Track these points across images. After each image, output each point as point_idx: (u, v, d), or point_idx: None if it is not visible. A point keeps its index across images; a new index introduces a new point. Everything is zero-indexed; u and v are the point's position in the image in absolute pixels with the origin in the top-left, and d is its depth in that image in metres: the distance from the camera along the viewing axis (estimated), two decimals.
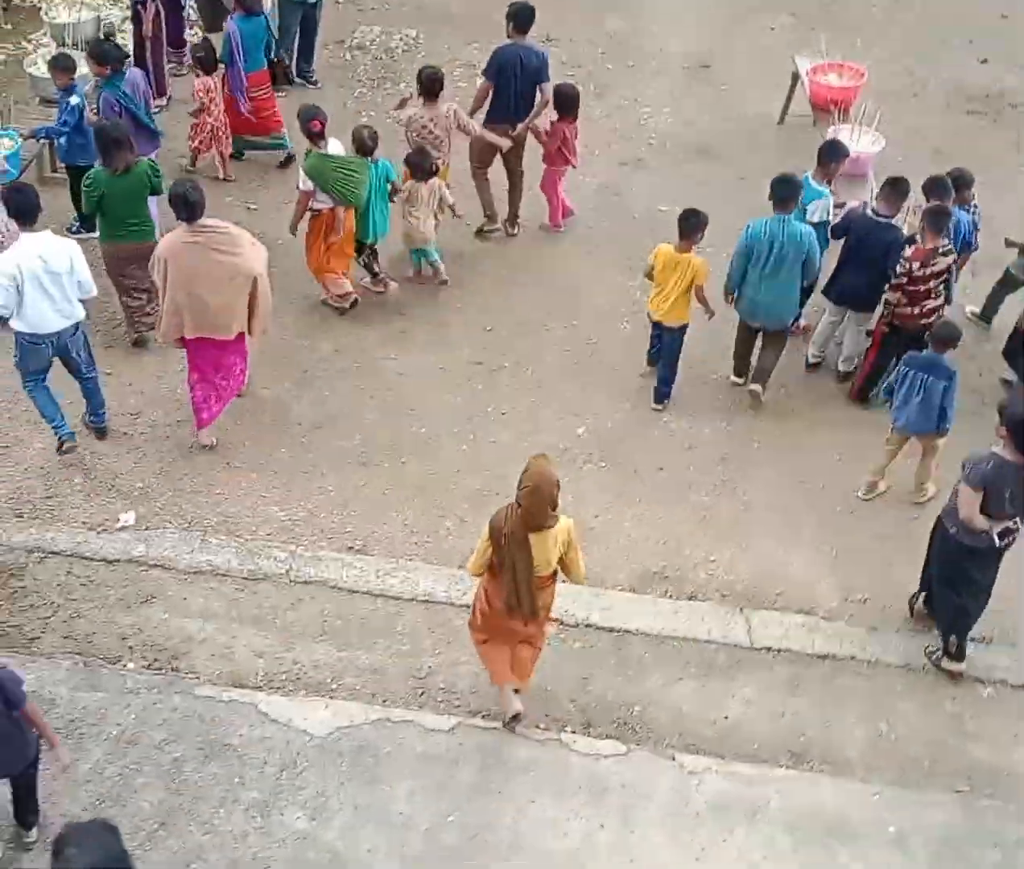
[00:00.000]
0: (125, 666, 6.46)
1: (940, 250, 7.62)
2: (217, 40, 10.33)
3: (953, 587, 6.37)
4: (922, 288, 7.68)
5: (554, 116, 9.58)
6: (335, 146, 8.61)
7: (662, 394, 8.26)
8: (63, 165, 9.36)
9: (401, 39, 12.72)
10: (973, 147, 10.82)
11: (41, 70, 9.86)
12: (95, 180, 7.90)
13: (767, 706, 6.27)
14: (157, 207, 8.49)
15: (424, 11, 13.40)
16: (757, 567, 7.08)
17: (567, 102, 9.46)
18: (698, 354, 8.67)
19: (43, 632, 6.58)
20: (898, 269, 7.65)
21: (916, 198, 8.35)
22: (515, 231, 10.02)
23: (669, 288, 7.91)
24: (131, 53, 10.07)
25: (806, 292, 8.34)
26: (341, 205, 8.53)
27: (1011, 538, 6.20)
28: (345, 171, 8.48)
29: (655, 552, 7.15)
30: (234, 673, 6.45)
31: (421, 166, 8.87)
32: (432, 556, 7.13)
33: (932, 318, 7.76)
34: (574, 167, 9.85)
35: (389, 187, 8.88)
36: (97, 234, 8.56)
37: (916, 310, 7.76)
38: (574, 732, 6.17)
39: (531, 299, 9.27)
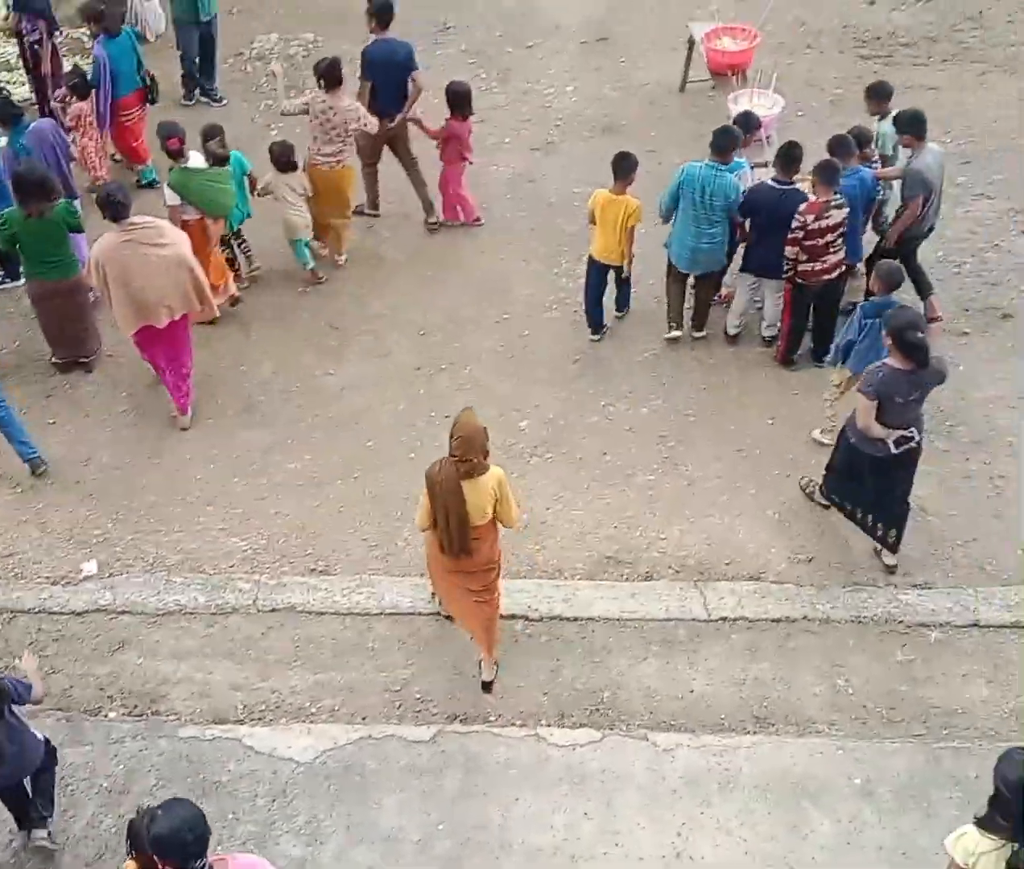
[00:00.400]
0: (107, 716, 6.57)
1: (832, 203, 7.85)
2: None
3: (862, 483, 6.91)
4: (820, 242, 7.92)
5: (447, 113, 9.73)
6: (196, 160, 8.78)
7: (622, 304, 9.09)
8: None
9: (300, 45, 12.71)
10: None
11: None
12: (7, 220, 8.06)
13: (729, 675, 6.58)
14: (85, 241, 8.51)
15: (319, 13, 13.37)
16: (706, 540, 7.38)
17: (458, 99, 9.62)
18: (628, 334, 8.98)
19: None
20: (793, 224, 7.90)
21: None
22: (434, 221, 10.17)
23: (609, 230, 8.41)
24: (32, 98, 9.91)
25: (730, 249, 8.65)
26: (208, 217, 8.67)
27: (907, 444, 6.67)
28: (207, 182, 8.69)
29: (608, 537, 7.42)
30: (214, 709, 6.58)
31: (283, 158, 9.17)
32: (393, 568, 7.32)
33: (835, 273, 8.10)
34: (470, 163, 9.99)
35: (246, 180, 9.19)
36: (22, 281, 8.60)
37: (817, 266, 8.03)
38: (549, 725, 6.42)
39: (459, 297, 9.45)
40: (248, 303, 9.35)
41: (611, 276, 8.83)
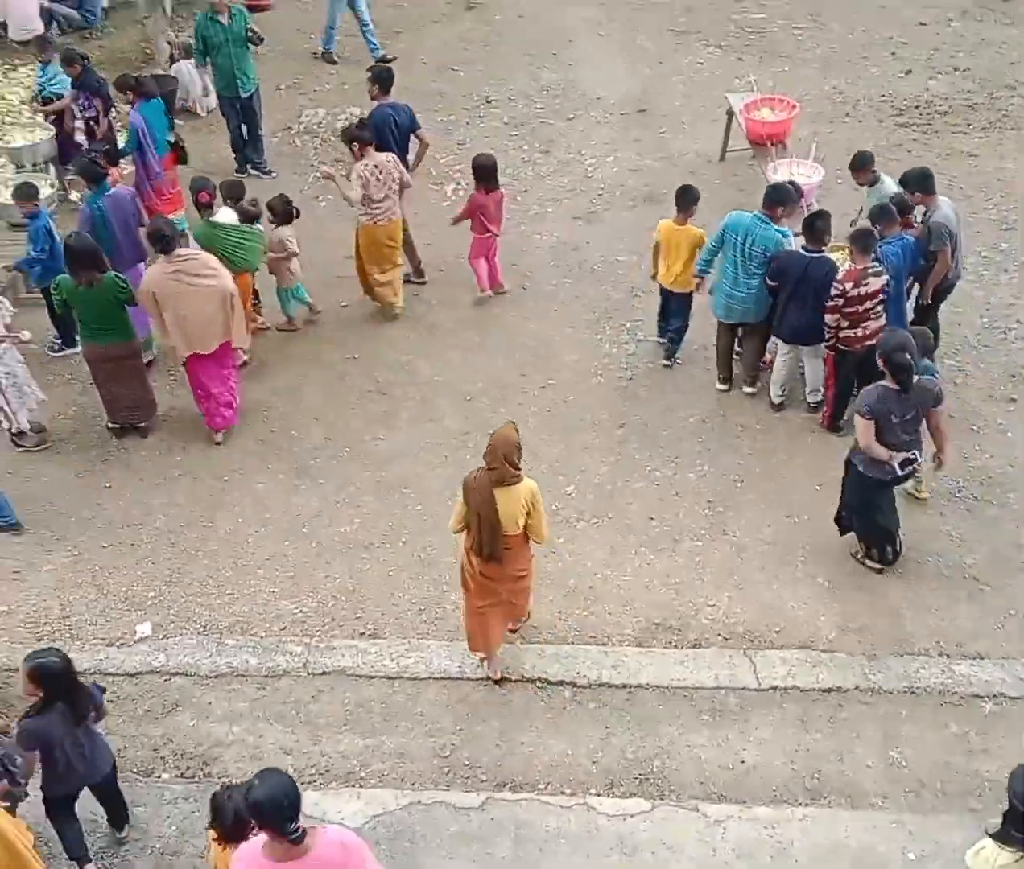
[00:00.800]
0: (159, 777, 6.63)
1: (870, 270, 7.91)
2: None
3: (871, 515, 7.32)
4: (859, 309, 7.99)
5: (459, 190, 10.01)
6: (226, 215, 9.11)
7: (672, 351, 9.33)
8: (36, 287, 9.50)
9: (346, 119, 12.96)
10: (908, 159, 11.25)
11: (4, 197, 9.99)
12: (60, 286, 8.38)
13: (780, 746, 6.54)
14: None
15: (361, 88, 13.61)
16: (756, 606, 7.38)
17: (482, 172, 9.79)
18: (674, 400, 9.06)
19: None
20: (832, 291, 7.97)
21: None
22: (424, 280, 10.48)
23: (672, 258, 8.86)
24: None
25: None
26: (232, 271, 8.81)
27: (912, 467, 7.12)
28: (234, 238, 8.95)
29: (656, 603, 7.44)
30: None
31: (284, 210, 9.50)
32: (442, 632, 7.36)
33: (877, 339, 7.96)
34: (495, 235, 10.10)
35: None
36: (78, 348, 8.84)
37: (859, 332, 8.09)
38: (599, 794, 6.40)
39: (505, 363, 9.58)
40: (300, 371, 9.51)
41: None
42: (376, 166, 9.42)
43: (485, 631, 6.89)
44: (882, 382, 6.95)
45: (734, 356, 9.14)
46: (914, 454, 7.04)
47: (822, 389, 8.69)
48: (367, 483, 8.46)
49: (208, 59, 11.72)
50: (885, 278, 8.01)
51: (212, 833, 5.21)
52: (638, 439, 8.74)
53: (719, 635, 7.20)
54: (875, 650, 7.02)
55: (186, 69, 13.11)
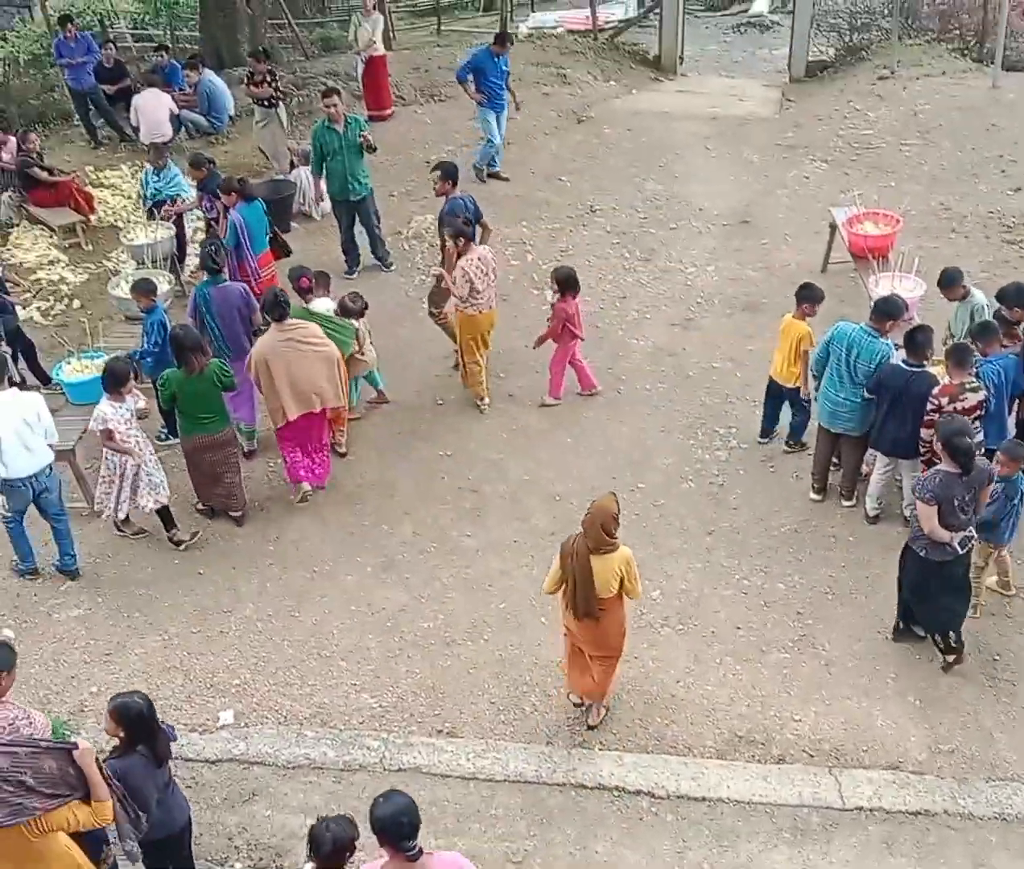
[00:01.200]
0: (233, 867, 6.65)
1: (967, 385, 7.76)
2: None
3: (936, 600, 7.29)
4: None
5: (556, 297, 10.06)
6: (322, 304, 9.63)
7: (794, 432, 9.49)
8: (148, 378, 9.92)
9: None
10: (1015, 275, 10.95)
11: (123, 291, 10.52)
12: (167, 380, 8.73)
13: (864, 868, 6.26)
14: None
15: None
16: (842, 723, 7.12)
17: (565, 281, 9.92)
18: (766, 508, 8.91)
19: None
20: (928, 406, 7.84)
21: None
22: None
23: (784, 350, 9.08)
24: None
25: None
26: None
27: (971, 544, 7.26)
28: (327, 327, 9.29)
29: (740, 714, 7.24)
30: None
31: (352, 309, 9.79)
32: (519, 733, 7.28)
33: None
34: (582, 340, 10.22)
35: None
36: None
37: None
38: None
39: (597, 464, 9.58)
40: (392, 465, 9.68)
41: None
42: (479, 258, 9.77)
43: (576, 675, 7.24)
44: (941, 467, 7.09)
45: (831, 467, 8.98)
46: (971, 532, 7.21)
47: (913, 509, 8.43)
48: (453, 579, 8.49)
49: (324, 166, 12.18)
50: (983, 394, 7.82)
51: (311, 866, 5.27)
52: (727, 546, 8.61)
53: (804, 751, 6.96)
54: (966, 773, 6.70)
55: (304, 175, 13.73)
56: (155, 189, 12.29)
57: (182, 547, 8.91)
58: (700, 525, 8.84)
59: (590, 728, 7.24)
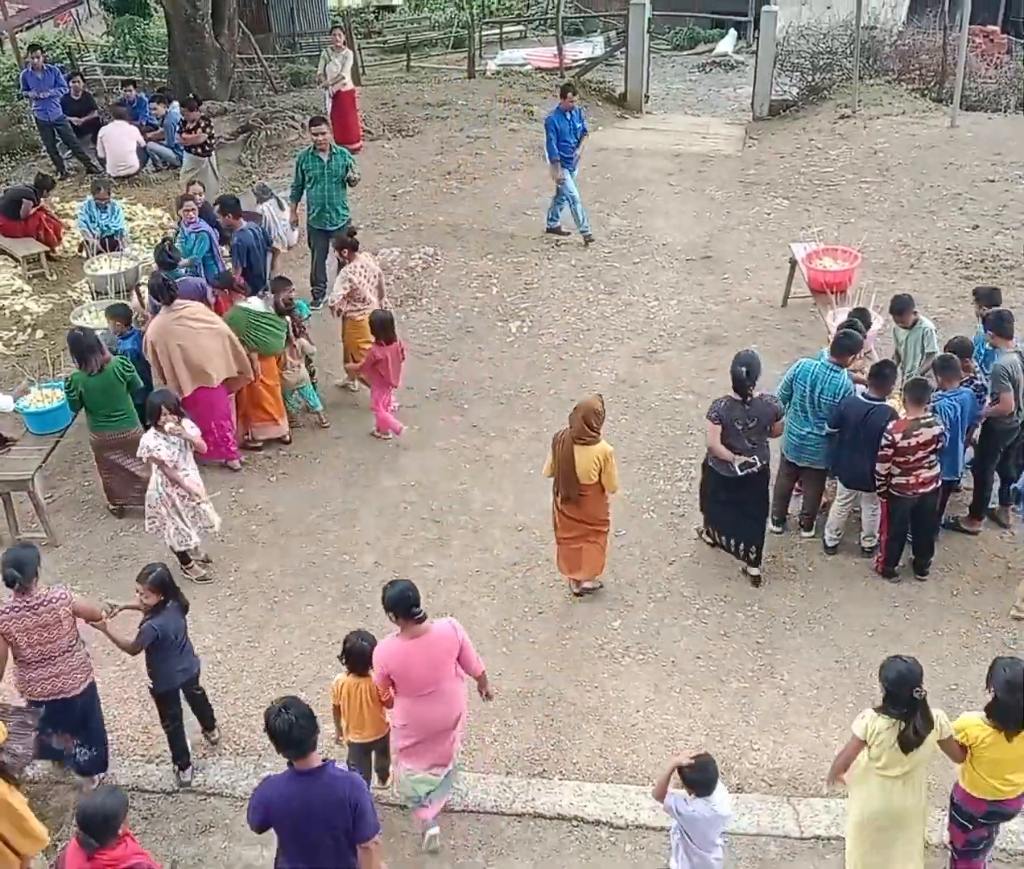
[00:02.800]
0: None
1: (922, 421, 7.87)
2: None
3: (731, 510, 8.37)
4: (911, 458, 7.90)
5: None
6: (256, 303, 10.05)
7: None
8: None
9: (420, 257, 13.47)
10: (971, 312, 11.11)
11: (86, 320, 10.49)
12: (72, 382, 8.94)
13: None
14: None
15: (436, 229, 14.23)
16: (801, 752, 7.15)
17: (379, 327, 10.01)
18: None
19: None
20: (883, 441, 7.92)
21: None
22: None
23: None
24: None
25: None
26: (255, 352, 9.83)
27: (750, 469, 8.07)
28: (262, 324, 9.81)
29: (699, 744, 7.18)
30: None
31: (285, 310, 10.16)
32: (479, 763, 7.26)
33: (930, 488, 8.05)
34: (394, 387, 10.35)
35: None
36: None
37: (911, 479, 7.98)
38: None
39: None
40: (356, 495, 9.68)
41: None
42: (362, 266, 10.55)
43: (569, 560, 8.34)
44: (730, 394, 8.11)
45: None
46: (754, 459, 8.07)
47: (877, 534, 8.53)
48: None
49: (303, 193, 12.18)
50: (938, 429, 7.91)
51: (343, 673, 6.59)
52: (687, 576, 8.66)
53: (763, 780, 6.98)
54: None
55: (267, 210, 13.73)
56: (104, 225, 12.29)
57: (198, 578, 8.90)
58: (661, 555, 8.88)
59: (576, 594, 8.42)
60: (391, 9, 31.59)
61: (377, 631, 8.16)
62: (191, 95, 14.49)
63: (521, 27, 28.61)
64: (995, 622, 8.04)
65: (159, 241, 11.44)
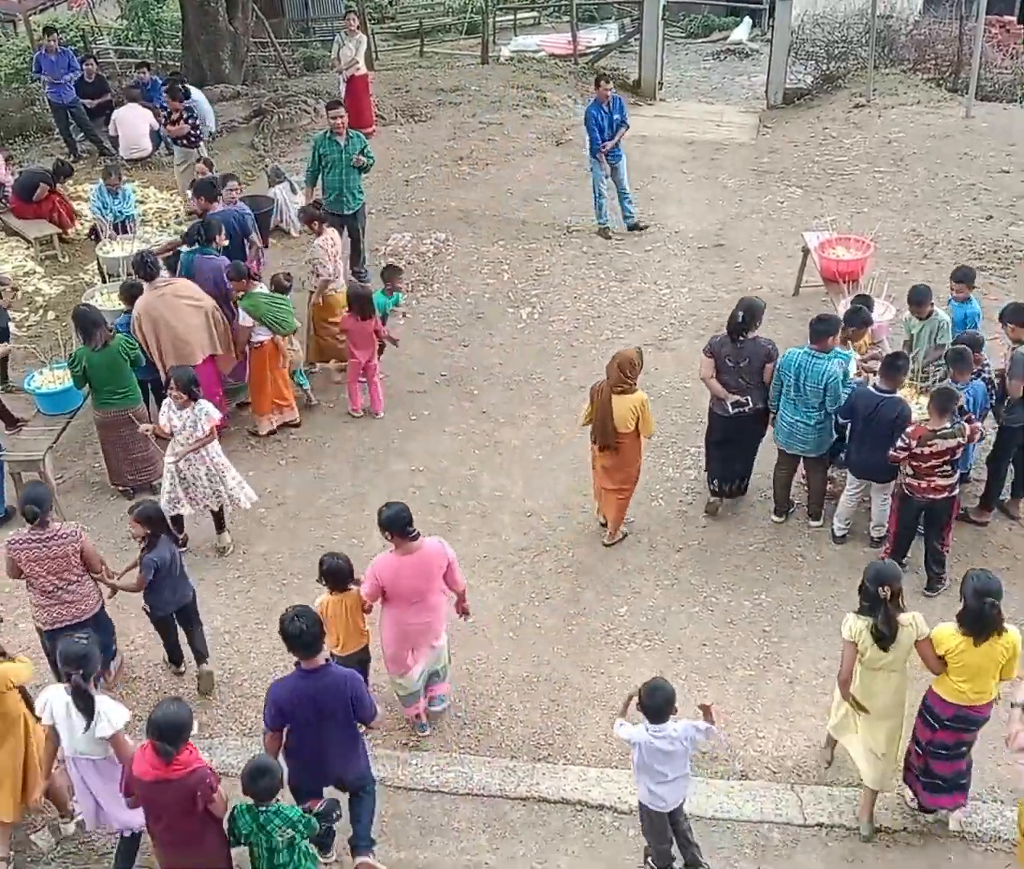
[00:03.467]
0: None
1: (939, 432, 7.65)
2: None
3: (721, 450, 8.91)
4: (923, 466, 7.77)
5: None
6: (261, 288, 10.10)
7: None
8: None
9: (432, 243, 13.46)
10: (985, 302, 11.09)
11: (98, 302, 10.51)
12: (76, 357, 8.99)
13: None
14: None
15: (448, 215, 14.21)
16: (805, 741, 7.16)
17: (353, 300, 10.17)
18: (735, 527, 8.98)
19: (114, 848, 6.74)
20: (898, 442, 7.81)
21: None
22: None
23: None
24: None
25: (839, 429, 8.73)
26: (277, 333, 9.95)
27: (742, 410, 8.54)
28: (274, 303, 9.97)
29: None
30: None
31: (286, 285, 10.35)
32: (484, 748, 7.29)
33: (942, 495, 7.85)
34: (360, 364, 10.37)
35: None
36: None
37: (923, 483, 7.84)
38: None
39: (568, 481, 9.63)
40: (366, 479, 9.70)
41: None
42: (331, 239, 10.77)
43: (601, 499, 8.91)
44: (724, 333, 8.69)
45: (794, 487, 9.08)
46: (746, 399, 8.51)
47: (886, 524, 8.50)
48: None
49: (319, 178, 12.13)
50: (956, 442, 7.70)
51: (325, 593, 7.08)
52: (695, 564, 8.66)
53: (767, 768, 6.99)
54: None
55: (280, 193, 13.78)
56: (116, 210, 12.30)
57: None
58: (669, 542, 8.88)
59: (605, 545, 8.84)
60: None
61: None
62: (178, 85, 14.17)
63: (535, 13, 28.46)
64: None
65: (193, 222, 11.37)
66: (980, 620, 5.96)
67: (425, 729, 7.39)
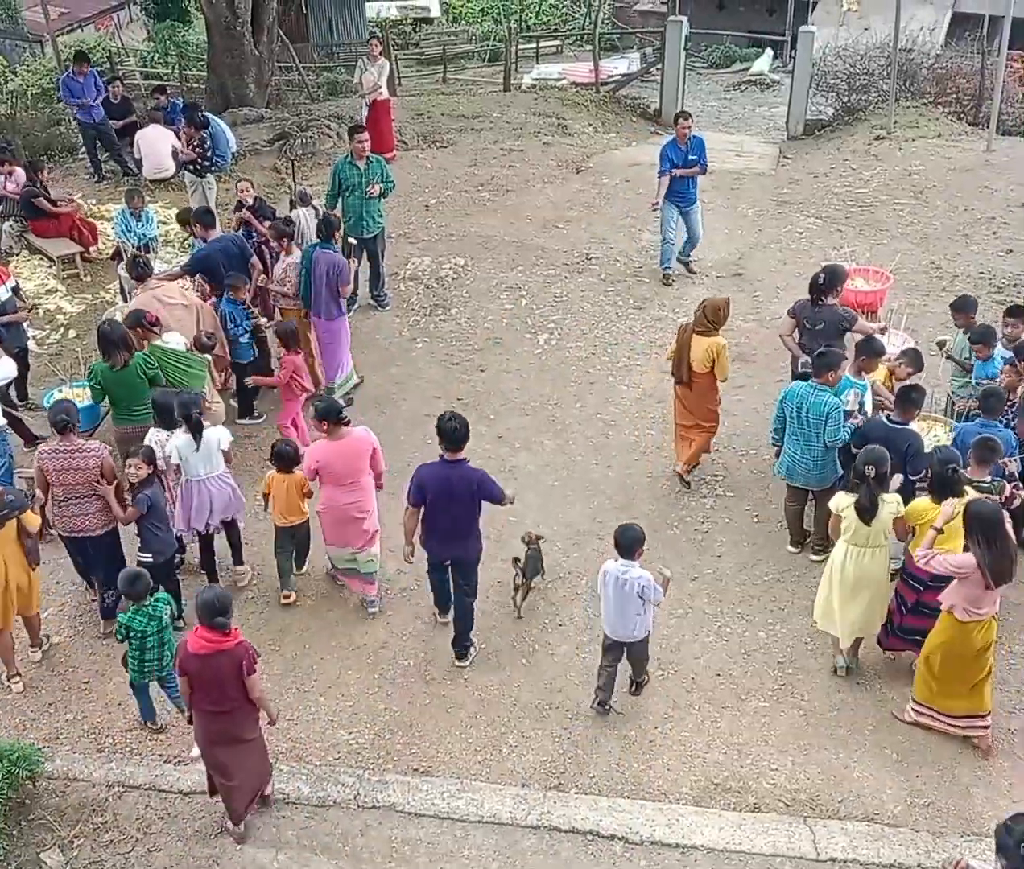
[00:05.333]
0: None
1: (975, 483, 7.38)
2: None
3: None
4: None
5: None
6: (174, 339, 9.54)
7: None
8: None
9: (451, 268, 13.51)
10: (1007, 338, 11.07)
11: (119, 319, 10.54)
12: (94, 371, 9.12)
13: None
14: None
15: (467, 240, 14.26)
16: (819, 773, 7.09)
17: (286, 336, 10.05)
18: (747, 557, 8.93)
19: (123, 867, 6.76)
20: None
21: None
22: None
23: None
24: None
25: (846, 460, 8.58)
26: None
27: (807, 371, 8.65)
28: (182, 360, 9.41)
29: (717, 762, 7.20)
30: None
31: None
32: (495, 774, 7.25)
33: None
34: (312, 392, 10.40)
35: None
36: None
37: None
38: None
39: (582, 508, 9.62)
40: (380, 505, 9.60)
41: None
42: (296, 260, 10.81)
43: (680, 447, 9.65)
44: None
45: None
46: (807, 360, 8.86)
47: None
48: (434, 618, 8.47)
49: (340, 201, 12.21)
50: (995, 496, 7.42)
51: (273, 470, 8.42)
52: (709, 593, 8.61)
53: (780, 800, 6.92)
54: (942, 828, 6.64)
55: (303, 215, 13.83)
56: (140, 233, 12.39)
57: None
58: (683, 571, 8.84)
59: (681, 478, 9.63)
60: (428, 21, 31.75)
61: (399, 637, 8.29)
62: (199, 113, 14.28)
63: (558, 42, 28.67)
64: (1019, 648, 7.93)
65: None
66: (943, 484, 7.04)
67: (375, 605, 8.57)
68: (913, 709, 7.32)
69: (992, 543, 6.60)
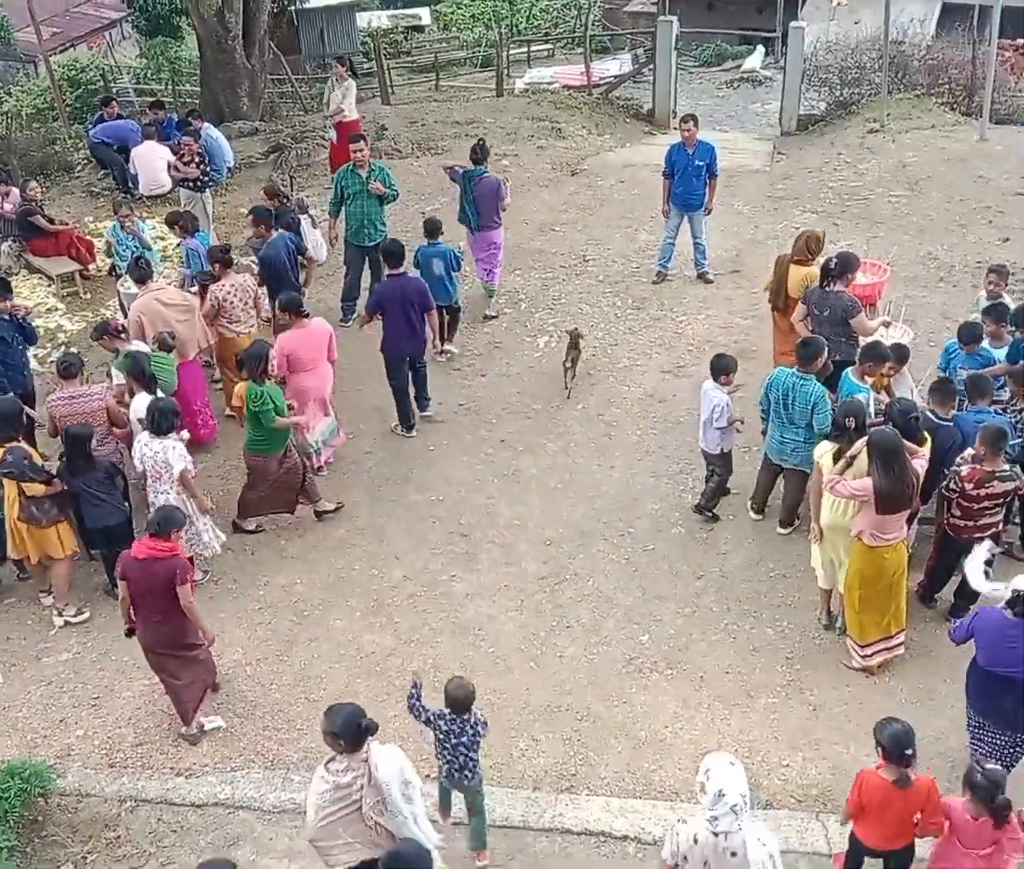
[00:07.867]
0: None
1: (998, 473, 7.45)
2: None
3: None
4: (975, 506, 7.57)
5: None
6: (140, 346, 9.73)
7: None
8: None
9: None
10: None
11: None
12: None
13: None
14: None
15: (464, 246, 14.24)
16: (830, 768, 7.08)
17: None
18: (753, 554, 8.93)
19: None
20: (950, 483, 7.61)
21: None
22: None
23: None
24: None
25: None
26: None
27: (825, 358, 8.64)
28: (153, 362, 9.40)
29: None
30: None
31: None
32: (506, 778, 7.25)
33: (987, 533, 7.56)
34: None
35: None
36: None
37: (970, 524, 7.66)
38: None
39: (586, 509, 9.61)
40: (385, 511, 9.72)
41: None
42: (231, 285, 10.50)
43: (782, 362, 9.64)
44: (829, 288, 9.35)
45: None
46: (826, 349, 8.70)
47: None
48: (442, 623, 8.49)
49: (342, 209, 12.23)
50: (1012, 485, 7.52)
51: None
52: (716, 591, 8.62)
53: (791, 797, 6.92)
54: None
55: (303, 223, 13.85)
56: (135, 247, 12.34)
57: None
58: (689, 570, 8.85)
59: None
60: (420, 29, 31.82)
61: (406, 644, 8.30)
62: (195, 129, 14.35)
63: (549, 46, 28.70)
64: None
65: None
66: (906, 432, 7.35)
67: (323, 471, 9.97)
68: (855, 651, 7.73)
69: (890, 469, 7.07)
